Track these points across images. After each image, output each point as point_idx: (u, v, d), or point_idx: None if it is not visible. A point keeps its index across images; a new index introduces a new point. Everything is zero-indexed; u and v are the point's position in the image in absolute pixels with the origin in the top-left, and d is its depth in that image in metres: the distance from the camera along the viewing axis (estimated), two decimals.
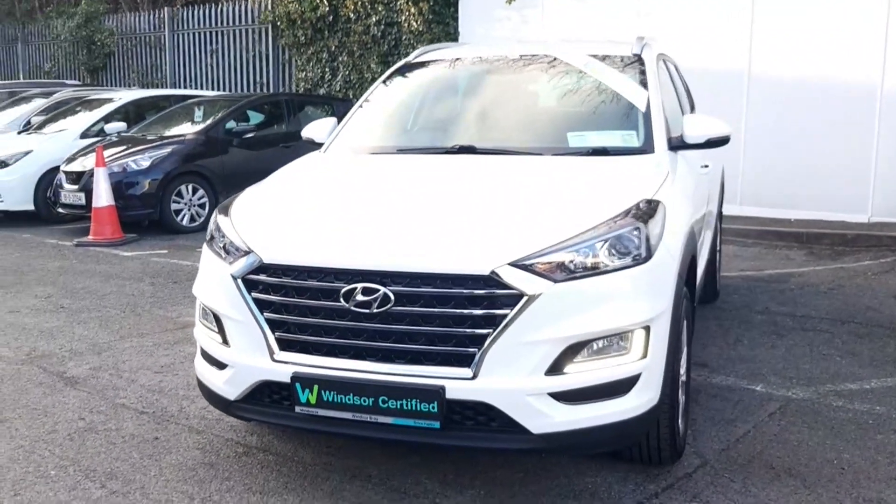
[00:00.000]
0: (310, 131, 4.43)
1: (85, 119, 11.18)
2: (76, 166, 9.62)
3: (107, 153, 9.36)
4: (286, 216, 3.32)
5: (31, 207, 10.32)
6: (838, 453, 3.51)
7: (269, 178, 3.86)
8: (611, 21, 10.32)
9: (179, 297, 6.42)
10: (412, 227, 3.04)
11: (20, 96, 13.44)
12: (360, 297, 2.81)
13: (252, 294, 2.99)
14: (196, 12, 16.05)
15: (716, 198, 5.53)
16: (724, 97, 9.53)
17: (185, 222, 9.73)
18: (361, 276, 2.83)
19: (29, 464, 3.46)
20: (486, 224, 2.98)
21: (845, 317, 5.70)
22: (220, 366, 3.15)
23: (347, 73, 13.52)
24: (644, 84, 4.08)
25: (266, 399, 3.04)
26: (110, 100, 11.63)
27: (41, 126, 11.36)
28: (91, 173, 9.13)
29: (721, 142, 3.89)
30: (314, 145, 4.37)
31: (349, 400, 2.83)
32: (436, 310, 2.76)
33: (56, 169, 9.99)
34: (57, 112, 11.74)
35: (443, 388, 2.74)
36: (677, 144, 3.86)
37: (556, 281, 2.75)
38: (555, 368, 2.76)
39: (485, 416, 2.79)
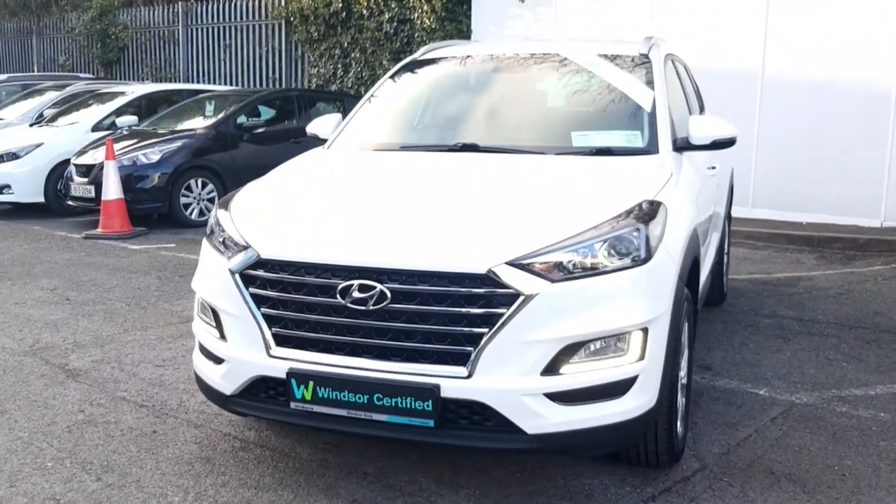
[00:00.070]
0: (314, 127, 4.42)
1: (97, 112, 11.22)
2: (86, 159, 9.66)
3: (117, 146, 9.38)
4: (285, 212, 3.31)
5: (42, 200, 10.36)
6: (840, 459, 3.47)
7: (271, 173, 3.85)
8: (624, 21, 10.26)
9: (185, 291, 6.42)
10: (410, 224, 3.02)
11: (33, 89, 13.50)
12: (356, 294, 2.80)
13: (249, 289, 2.98)
14: (210, 7, 16.14)
15: (724, 200, 5.48)
16: (737, 98, 9.47)
17: (194, 216, 9.75)
18: (358, 273, 2.82)
19: (26, 455, 3.47)
20: (484, 223, 2.96)
21: (853, 322, 5.65)
22: (217, 360, 3.15)
23: (359, 69, 13.53)
24: (650, 84, 4.06)
25: (262, 394, 3.04)
26: (122, 93, 11.67)
27: (53, 119, 11.39)
28: (101, 166, 9.16)
29: (727, 143, 3.86)
30: (319, 141, 4.37)
31: (344, 397, 2.82)
32: (432, 308, 2.74)
33: (67, 162, 10.05)
34: (69, 105, 11.78)
35: (438, 387, 2.73)
36: (682, 145, 3.84)
37: (553, 281, 2.72)
38: (551, 369, 2.74)
39: (480, 415, 2.77)
